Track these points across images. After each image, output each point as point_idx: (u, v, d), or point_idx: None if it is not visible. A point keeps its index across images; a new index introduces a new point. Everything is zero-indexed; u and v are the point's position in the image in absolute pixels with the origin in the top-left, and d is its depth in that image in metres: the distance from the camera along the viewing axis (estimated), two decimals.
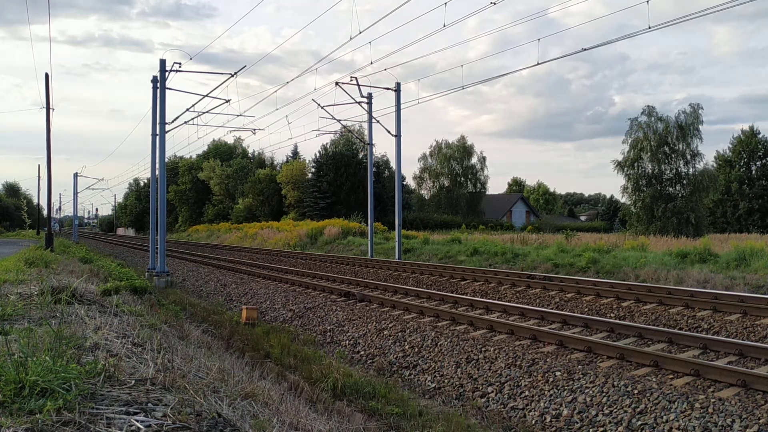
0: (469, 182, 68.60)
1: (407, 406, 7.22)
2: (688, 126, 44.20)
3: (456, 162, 67.77)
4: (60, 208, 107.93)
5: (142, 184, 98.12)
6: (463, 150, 67.92)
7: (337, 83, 24.59)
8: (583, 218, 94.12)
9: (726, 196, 60.36)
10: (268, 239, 43.42)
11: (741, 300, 11.01)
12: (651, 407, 6.29)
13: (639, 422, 6.13)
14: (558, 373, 7.54)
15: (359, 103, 25.98)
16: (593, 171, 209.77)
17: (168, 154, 28.00)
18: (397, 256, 24.21)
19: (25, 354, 3.56)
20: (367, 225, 28.42)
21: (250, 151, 79.67)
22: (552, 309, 12.11)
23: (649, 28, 13.46)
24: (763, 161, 61.18)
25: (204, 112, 23.92)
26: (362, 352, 10.35)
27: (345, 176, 56.81)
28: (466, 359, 8.73)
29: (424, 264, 21.08)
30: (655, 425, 6.01)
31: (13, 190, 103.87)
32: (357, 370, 9.13)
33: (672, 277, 15.24)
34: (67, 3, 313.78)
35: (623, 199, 51.69)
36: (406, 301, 13.03)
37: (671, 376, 7.07)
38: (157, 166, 22.65)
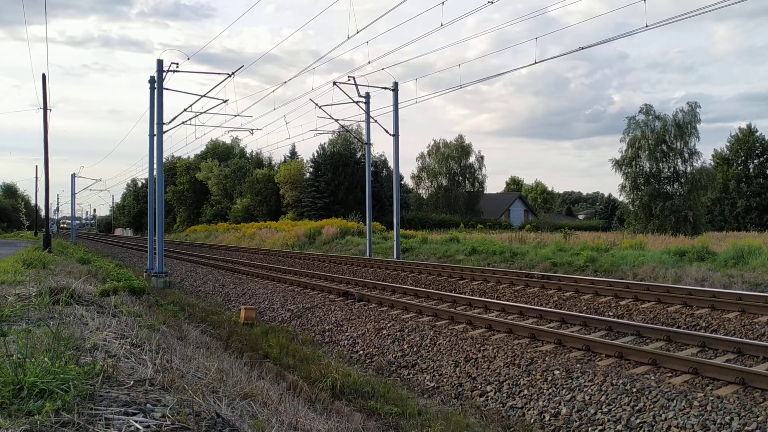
0: (467, 181, 68.63)
1: (406, 405, 7.22)
2: (685, 124, 44.20)
3: (454, 161, 67.80)
4: (58, 209, 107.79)
5: (140, 184, 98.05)
6: (461, 149, 67.98)
7: (334, 83, 24.58)
8: (581, 217, 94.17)
9: (724, 194, 60.49)
10: (267, 239, 43.40)
11: (739, 298, 11.03)
12: (650, 405, 6.30)
13: (638, 420, 6.14)
14: (557, 372, 7.55)
15: (357, 102, 25.96)
16: (592, 170, 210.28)
17: (166, 154, 27.96)
18: (395, 256, 24.21)
19: (24, 355, 3.56)
20: (366, 224, 28.41)
21: (248, 151, 79.71)
22: (550, 308, 12.12)
23: (647, 26, 13.51)
24: (761, 159, 61.34)
25: (202, 112, 23.86)
26: (361, 352, 10.35)
27: (343, 176, 56.81)
28: (464, 358, 8.73)
29: (423, 263, 21.09)
30: (653, 423, 6.02)
31: (10, 191, 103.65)
32: (356, 370, 9.13)
33: (670, 275, 15.26)
34: (66, 3, 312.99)
35: (621, 198, 51.66)
36: (404, 300, 13.03)
37: (670, 374, 7.08)
38: (155, 166, 22.61)
